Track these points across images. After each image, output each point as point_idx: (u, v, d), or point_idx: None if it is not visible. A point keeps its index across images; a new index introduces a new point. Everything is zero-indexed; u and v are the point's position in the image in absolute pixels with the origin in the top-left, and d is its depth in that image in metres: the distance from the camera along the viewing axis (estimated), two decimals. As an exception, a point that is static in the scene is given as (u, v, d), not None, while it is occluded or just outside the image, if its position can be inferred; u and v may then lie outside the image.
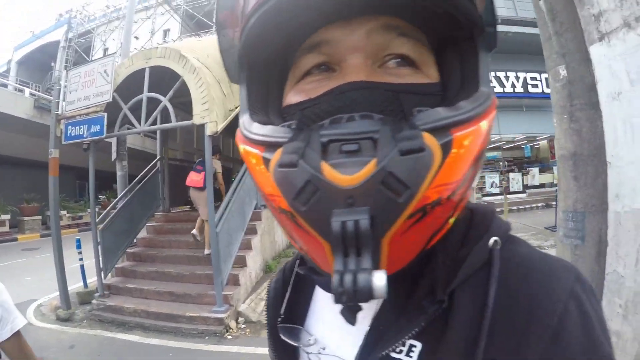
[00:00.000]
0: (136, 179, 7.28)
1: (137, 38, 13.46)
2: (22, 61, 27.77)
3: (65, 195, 15.20)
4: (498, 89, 13.01)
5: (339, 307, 0.43)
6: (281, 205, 0.36)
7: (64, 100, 6.10)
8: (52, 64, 23.07)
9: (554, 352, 0.34)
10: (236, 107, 5.13)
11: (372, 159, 0.32)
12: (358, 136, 0.34)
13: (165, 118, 5.71)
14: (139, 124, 5.42)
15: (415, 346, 0.41)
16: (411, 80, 0.42)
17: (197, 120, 4.87)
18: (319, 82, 0.43)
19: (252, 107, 0.47)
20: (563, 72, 2.56)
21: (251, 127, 0.42)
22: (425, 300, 0.40)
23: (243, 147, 0.43)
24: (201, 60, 5.27)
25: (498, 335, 0.36)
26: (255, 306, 5.37)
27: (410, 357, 0.41)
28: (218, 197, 6.01)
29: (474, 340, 0.36)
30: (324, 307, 0.51)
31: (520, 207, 13.28)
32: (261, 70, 0.48)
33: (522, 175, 15.87)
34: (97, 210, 6.52)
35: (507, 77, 13.28)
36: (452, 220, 0.41)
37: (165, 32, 22.40)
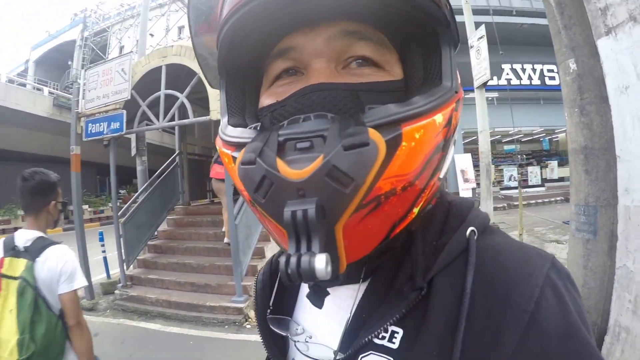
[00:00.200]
0: (156, 174, 7.39)
1: (152, 35, 13.59)
2: (40, 60, 28.18)
3: (87, 190, 15.55)
4: (514, 81, 12.78)
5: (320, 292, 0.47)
6: (247, 198, 0.41)
7: (83, 99, 6.24)
8: (69, 62, 23.39)
9: (531, 336, 0.36)
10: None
11: (321, 154, 0.34)
12: (310, 134, 0.37)
13: (183, 114, 5.80)
14: (158, 120, 5.53)
15: (397, 332, 0.42)
16: (373, 79, 0.44)
17: (214, 115, 4.98)
18: (288, 86, 0.46)
19: (231, 111, 0.52)
20: (573, 65, 2.54)
21: (226, 130, 0.47)
22: (406, 287, 0.43)
23: (219, 148, 0.47)
24: (217, 57, 5.35)
25: (476, 320, 0.38)
26: (273, 296, 5.44)
27: (393, 343, 0.42)
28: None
29: (453, 325, 0.38)
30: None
31: (539, 201, 13.01)
32: (238, 76, 0.52)
33: (541, 169, 15.54)
34: (118, 204, 6.67)
35: (523, 69, 13.02)
36: (416, 210, 0.42)
37: (180, 29, 22.49)
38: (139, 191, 7.06)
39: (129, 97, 5.59)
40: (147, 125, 6.09)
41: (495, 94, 12.05)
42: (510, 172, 14.93)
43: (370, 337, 0.43)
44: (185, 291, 5.21)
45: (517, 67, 12.97)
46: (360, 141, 0.34)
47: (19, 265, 1.67)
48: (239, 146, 0.43)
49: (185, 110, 5.43)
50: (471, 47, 7.48)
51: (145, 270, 6.30)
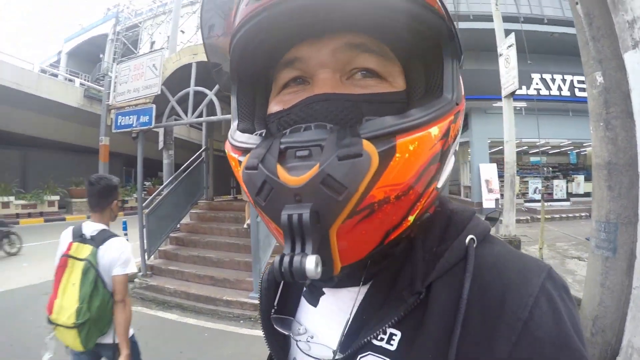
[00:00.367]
0: (182, 168, 7.52)
1: (183, 32, 13.85)
2: (72, 53, 28.95)
3: (113, 180, 15.95)
4: (544, 92, 12.46)
5: (324, 296, 0.51)
6: (251, 200, 0.43)
7: (114, 91, 6.42)
8: (101, 55, 23.98)
9: (524, 343, 0.37)
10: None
11: (317, 163, 0.37)
12: (309, 144, 0.39)
13: (211, 111, 5.89)
14: (186, 115, 5.65)
15: (395, 335, 0.44)
16: (376, 90, 0.46)
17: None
18: (295, 94, 0.48)
19: (241, 115, 0.54)
20: (600, 78, 2.49)
21: (234, 135, 0.50)
22: (405, 291, 0.44)
23: (227, 152, 0.50)
24: (247, 55, 5.44)
25: (472, 326, 0.39)
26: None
27: (391, 345, 0.44)
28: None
29: (450, 330, 0.39)
30: None
31: (563, 215, 12.67)
32: (249, 82, 0.55)
33: (567, 183, 15.16)
34: (142, 195, 6.82)
35: (553, 80, 12.62)
36: (411, 218, 0.44)
37: (210, 27, 22.95)
38: (164, 184, 7.20)
39: (159, 92, 5.73)
40: (175, 120, 6.21)
41: (523, 104, 11.75)
42: (536, 184, 14.61)
43: (369, 338, 0.44)
44: (203, 284, 5.31)
45: (547, 77, 12.60)
46: (354, 152, 0.36)
47: (84, 250, 2.07)
48: (245, 151, 0.46)
49: (213, 107, 5.53)
50: (500, 55, 7.37)
51: (166, 261, 6.43)
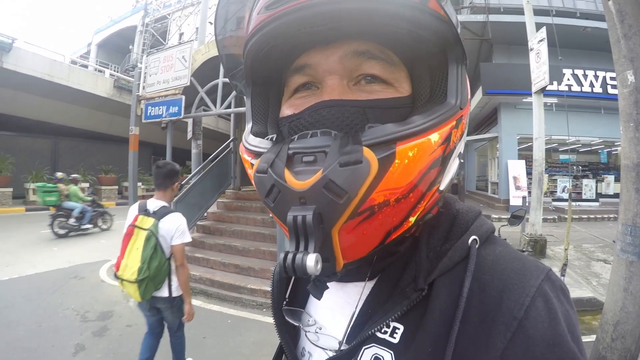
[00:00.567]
0: (210, 157, 7.63)
1: (211, 23, 14.01)
2: (102, 44, 29.65)
3: (142, 168, 16.49)
4: (575, 88, 12.05)
5: (332, 291, 0.54)
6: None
7: (144, 83, 6.56)
8: (130, 46, 24.44)
9: (518, 341, 0.38)
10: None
11: (321, 168, 0.39)
12: (314, 150, 0.42)
13: (239, 102, 5.97)
14: (215, 106, 5.75)
15: (398, 328, 0.46)
16: (381, 95, 0.47)
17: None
18: (305, 99, 0.50)
19: (255, 118, 0.57)
20: (631, 77, 2.42)
21: (248, 139, 0.53)
22: (408, 287, 0.46)
23: (242, 154, 0.53)
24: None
25: (470, 322, 0.41)
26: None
27: (394, 337, 0.46)
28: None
29: (449, 325, 0.41)
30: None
31: (591, 216, 12.28)
32: (262, 86, 0.58)
33: (596, 182, 14.63)
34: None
35: (585, 76, 12.16)
36: (412, 219, 0.46)
37: (238, 18, 23.05)
38: (192, 173, 7.32)
39: (188, 84, 5.84)
40: (204, 110, 6.30)
41: (554, 100, 11.40)
42: (564, 183, 14.20)
43: (373, 330, 0.47)
44: (228, 272, 5.39)
45: (579, 72, 12.16)
46: (354, 159, 0.39)
47: (148, 222, 2.59)
48: (257, 155, 0.49)
49: (242, 98, 5.58)
50: (531, 49, 7.16)
51: (192, 248, 6.54)
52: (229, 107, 5.77)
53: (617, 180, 14.42)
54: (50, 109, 16.71)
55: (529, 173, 11.59)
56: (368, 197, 0.39)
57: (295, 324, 0.58)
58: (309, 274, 0.38)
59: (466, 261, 0.45)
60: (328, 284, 0.48)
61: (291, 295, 0.62)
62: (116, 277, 2.60)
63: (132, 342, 4.02)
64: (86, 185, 16.94)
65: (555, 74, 10.05)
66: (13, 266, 6.70)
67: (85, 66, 19.48)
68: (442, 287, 0.45)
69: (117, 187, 18.52)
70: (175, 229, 2.63)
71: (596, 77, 12.21)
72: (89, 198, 9.99)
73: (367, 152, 0.39)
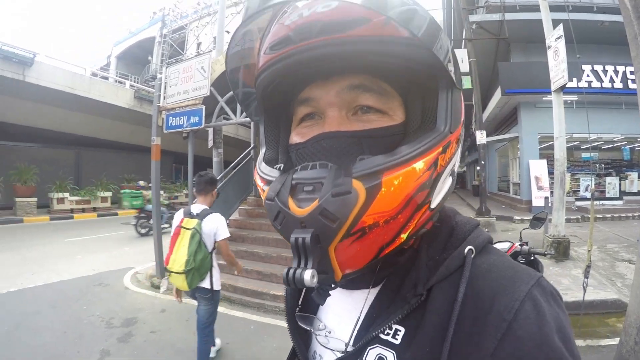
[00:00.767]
0: (231, 165, 7.77)
1: (228, 32, 14.18)
2: (121, 56, 30.36)
3: (163, 177, 16.80)
4: (595, 84, 11.78)
5: (341, 297, 0.60)
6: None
7: (164, 93, 6.67)
8: (149, 57, 24.98)
9: (507, 341, 0.42)
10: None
11: (317, 198, 0.45)
12: (313, 181, 0.48)
13: (259, 110, 6.04)
14: (235, 115, 5.83)
15: (400, 330, 0.51)
16: (376, 125, 0.53)
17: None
18: (309, 128, 0.57)
19: (268, 142, 0.65)
20: None
21: (261, 166, 0.60)
22: (409, 293, 0.51)
23: (256, 181, 0.60)
24: (292, 56, 5.54)
25: (464, 325, 0.45)
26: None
27: (396, 339, 0.51)
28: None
29: (445, 327, 0.46)
30: (332, 298, 0.59)
31: (615, 215, 11.92)
32: (273, 113, 0.64)
33: (620, 180, 14.18)
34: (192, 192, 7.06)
35: (604, 71, 11.87)
36: (404, 236, 0.51)
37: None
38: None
39: (208, 94, 5.93)
40: (224, 119, 6.38)
41: (574, 97, 11.13)
42: (587, 182, 13.84)
43: (377, 332, 0.51)
44: (251, 278, 5.44)
45: (598, 68, 11.89)
46: (344, 190, 0.44)
47: (192, 222, 3.12)
48: (268, 182, 0.55)
49: (260, 106, 5.66)
50: (549, 47, 7.04)
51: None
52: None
53: (641, 177, 14.05)
54: (72, 120, 17.16)
55: (550, 172, 11.38)
56: (358, 220, 0.45)
57: (307, 328, 0.63)
58: (306, 286, 0.44)
59: (462, 269, 0.50)
60: (337, 291, 0.55)
61: (303, 302, 0.68)
62: (166, 269, 3.13)
63: (156, 348, 4.13)
64: (109, 194, 17.34)
65: (575, 71, 9.84)
66: (39, 274, 6.85)
67: (106, 78, 19.91)
68: (439, 293, 0.49)
69: (139, 195, 18.94)
70: (217, 227, 3.20)
71: (616, 72, 11.89)
72: (166, 202, 11.72)
73: (356, 183, 0.45)
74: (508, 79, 12.30)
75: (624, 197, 13.88)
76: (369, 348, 0.52)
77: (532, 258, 2.99)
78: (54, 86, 14.86)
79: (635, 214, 11.94)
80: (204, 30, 22.06)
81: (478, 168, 10.86)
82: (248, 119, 5.93)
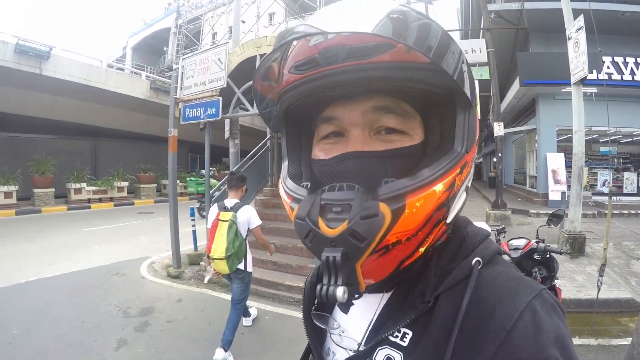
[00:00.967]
0: (247, 156, 7.82)
1: (243, 22, 14.15)
2: (136, 47, 30.61)
3: (179, 167, 17.09)
4: (615, 76, 11.50)
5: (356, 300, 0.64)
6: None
7: (180, 85, 6.70)
8: (165, 48, 25.08)
9: (506, 348, 0.45)
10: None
11: (346, 219, 0.48)
12: (342, 202, 0.50)
13: (276, 101, 6.05)
14: (251, 107, 5.84)
15: (408, 333, 0.55)
16: (397, 145, 0.55)
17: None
18: (333, 145, 0.59)
19: (290, 157, 0.68)
20: None
21: (286, 182, 0.63)
22: (417, 300, 0.55)
23: (280, 193, 0.64)
24: (309, 47, 5.52)
25: (466, 331, 0.48)
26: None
27: (404, 341, 0.54)
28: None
29: (449, 332, 0.49)
30: None
31: (632, 211, 11.68)
32: (294, 129, 0.68)
33: (638, 176, 13.90)
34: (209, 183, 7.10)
35: (625, 63, 11.60)
36: (422, 249, 0.55)
37: (271, 16, 23.10)
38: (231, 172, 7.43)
39: (225, 85, 5.95)
40: (240, 110, 6.38)
41: (593, 89, 10.87)
42: (605, 176, 13.59)
43: (387, 334, 0.55)
44: (266, 269, 5.51)
45: (619, 60, 11.62)
46: (372, 213, 0.48)
47: (228, 215, 3.62)
48: (295, 200, 0.58)
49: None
50: (569, 39, 6.88)
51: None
52: (265, 107, 5.86)
53: (660, 173, 13.69)
54: (89, 111, 17.39)
55: (568, 166, 11.18)
56: (383, 239, 0.48)
57: (323, 327, 0.68)
58: (338, 301, 0.48)
59: (468, 279, 0.52)
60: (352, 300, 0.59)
61: (319, 301, 0.70)
62: (208, 257, 3.66)
63: (173, 338, 4.20)
64: (126, 184, 17.60)
65: (595, 62, 9.58)
66: (57, 264, 6.99)
67: (122, 69, 20.05)
68: (445, 301, 0.52)
69: (155, 185, 19.17)
70: (249, 217, 3.73)
71: (637, 64, 11.59)
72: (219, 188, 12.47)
73: (383, 207, 0.48)
74: (527, 70, 12.09)
75: (643, 193, 13.56)
76: (378, 349, 0.56)
77: (548, 256, 2.98)
78: (71, 78, 15.07)
79: (655, 211, 11.61)
80: (219, 20, 21.96)
81: (494, 160, 10.74)
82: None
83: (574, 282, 5.26)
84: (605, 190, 13.11)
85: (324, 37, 0.51)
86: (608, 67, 11.54)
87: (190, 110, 6.41)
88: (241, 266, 3.69)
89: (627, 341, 3.62)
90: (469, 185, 0.60)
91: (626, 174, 13.90)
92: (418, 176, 0.51)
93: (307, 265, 5.65)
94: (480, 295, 0.50)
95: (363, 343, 0.60)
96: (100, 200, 16.48)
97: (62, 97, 15.96)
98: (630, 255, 6.70)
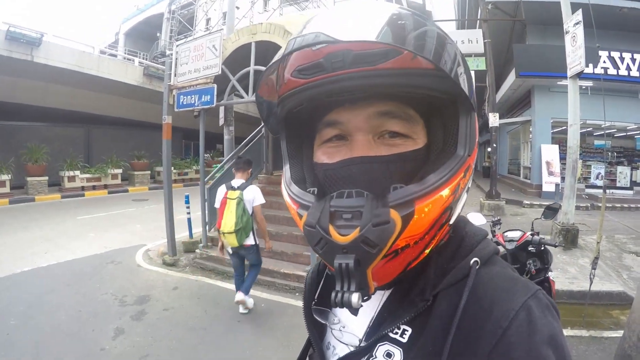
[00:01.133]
0: (242, 143, 7.75)
1: (238, 8, 13.96)
2: (129, 33, 30.21)
3: (173, 153, 16.98)
4: (611, 71, 11.56)
5: None
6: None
7: (175, 72, 6.63)
8: (158, 34, 24.73)
9: (501, 346, 0.46)
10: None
11: (358, 226, 0.49)
12: (352, 209, 0.51)
13: (271, 89, 6.01)
14: (246, 94, 5.79)
15: (407, 330, 0.56)
16: (402, 149, 0.56)
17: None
18: (336, 148, 0.59)
19: (291, 160, 0.68)
20: None
21: (291, 187, 0.62)
22: (417, 297, 0.56)
23: (285, 198, 0.63)
24: (305, 35, 5.47)
25: (464, 329, 0.49)
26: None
27: (403, 338, 0.56)
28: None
29: (447, 330, 0.50)
30: None
31: (625, 205, 11.85)
32: (294, 132, 0.68)
33: (631, 170, 14.06)
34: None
35: (621, 59, 11.72)
36: (427, 251, 0.57)
37: (265, 1, 22.87)
38: (225, 159, 7.46)
39: (220, 72, 5.89)
40: (235, 97, 6.34)
41: (589, 83, 10.94)
42: (599, 169, 13.73)
43: (387, 331, 0.57)
44: (262, 256, 5.38)
45: (615, 55, 11.70)
46: (384, 220, 0.48)
47: (235, 193, 4.07)
48: (302, 206, 0.58)
49: (272, 84, 5.62)
50: (566, 32, 6.87)
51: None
52: (260, 93, 5.83)
53: (653, 167, 13.85)
54: (81, 98, 17.16)
55: (562, 158, 11.27)
56: (394, 244, 0.49)
57: (323, 322, 0.69)
58: (353, 307, 0.49)
59: (466, 279, 0.54)
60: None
61: (320, 296, 0.73)
62: (219, 232, 4.12)
63: (170, 326, 4.21)
64: (119, 171, 17.48)
65: (591, 57, 9.62)
66: (52, 253, 6.96)
67: (114, 55, 19.81)
68: (443, 299, 0.54)
69: (149, 172, 19.08)
70: (254, 196, 4.18)
71: (633, 60, 11.73)
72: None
73: (393, 213, 0.49)
74: (523, 61, 12.13)
75: (635, 188, 13.81)
76: (379, 344, 0.57)
77: (543, 248, 3.02)
78: (63, 65, 14.80)
79: (646, 205, 11.76)
80: (213, 6, 21.71)
81: (489, 149, 10.82)
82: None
83: (567, 273, 5.32)
84: (599, 183, 13.25)
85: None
86: (604, 62, 11.62)
87: (185, 97, 6.35)
88: (250, 241, 4.18)
89: (618, 334, 3.68)
90: (470, 186, 0.61)
91: (619, 168, 14.09)
92: (425, 182, 0.52)
93: (302, 252, 5.65)
94: (477, 295, 0.52)
95: (364, 339, 0.61)
96: (94, 187, 16.38)
97: (54, 84, 15.70)
98: (622, 249, 6.80)
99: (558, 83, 11.55)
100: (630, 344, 2.71)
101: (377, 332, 0.58)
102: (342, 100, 0.56)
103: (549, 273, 3.02)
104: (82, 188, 15.96)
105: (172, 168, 18.02)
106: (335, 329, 0.67)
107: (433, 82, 0.52)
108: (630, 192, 13.56)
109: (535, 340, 0.46)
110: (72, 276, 5.78)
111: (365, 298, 0.54)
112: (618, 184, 13.78)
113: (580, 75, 6.76)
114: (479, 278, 0.54)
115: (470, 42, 10.69)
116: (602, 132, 12.91)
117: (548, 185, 12.10)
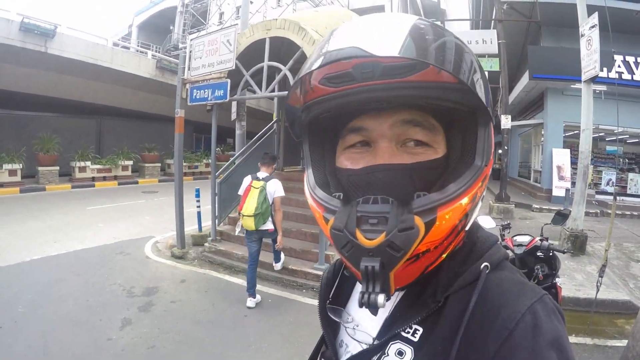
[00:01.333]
0: (254, 139, 7.77)
1: (252, 2, 13.93)
2: (142, 26, 30.26)
3: (184, 147, 17.05)
4: (626, 76, 11.37)
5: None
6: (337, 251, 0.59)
7: (188, 66, 6.65)
8: (171, 27, 24.79)
9: (506, 347, 0.48)
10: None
11: (384, 231, 0.52)
12: (378, 215, 0.54)
13: (284, 85, 6.00)
14: (260, 89, 5.81)
15: (418, 330, 0.59)
16: (423, 157, 0.59)
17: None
18: (360, 154, 0.62)
19: (314, 163, 0.70)
20: None
21: (315, 191, 0.65)
22: (429, 299, 0.59)
23: (309, 201, 0.66)
24: (319, 32, 5.49)
25: (472, 330, 0.52)
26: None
27: (415, 337, 0.58)
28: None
29: (456, 330, 0.52)
30: None
31: (635, 213, 11.67)
32: (318, 136, 0.70)
33: (643, 177, 13.74)
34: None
35: (636, 63, 11.48)
36: (444, 255, 0.60)
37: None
38: (237, 154, 7.46)
39: (234, 67, 5.91)
40: (248, 92, 6.35)
41: (603, 87, 10.77)
42: (610, 176, 13.52)
43: (399, 330, 0.59)
44: (270, 252, 5.47)
45: (630, 59, 11.49)
46: (408, 225, 0.51)
47: (259, 183, 4.55)
48: (327, 210, 0.60)
49: (285, 81, 5.66)
50: (582, 36, 6.79)
51: (235, 228, 6.72)
52: (273, 90, 5.83)
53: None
54: (94, 90, 17.30)
55: (573, 163, 11.14)
56: (416, 249, 0.52)
57: (337, 320, 0.72)
58: (380, 307, 0.53)
59: (476, 282, 0.56)
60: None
61: (334, 295, 0.77)
62: (239, 214, 4.58)
63: (177, 318, 4.25)
64: (130, 163, 17.61)
65: (606, 60, 9.47)
66: (62, 242, 7.03)
67: (127, 48, 19.85)
68: (454, 301, 0.56)
69: (159, 164, 19.16)
70: (276, 188, 4.62)
71: (649, 65, 11.49)
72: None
73: (417, 220, 0.52)
74: (537, 64, 11.99)
75: (646, 196, 13.51)
76: (391, 343, 0.60)
77: (551, 254, 3.01)
78: (76, 57, 14.93)
79: (658, 214, 11.55)
80: (226, 0, 21.71)
81: (500, 151, 10.72)
82: (273, 94, 5.95)
83: (574, 280, 5.28)
84: (610, 189, 13.07)
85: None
86: (619, 66, 11.44)
87: (198, 91, 6.38)
88: (269, 226, 4.61)
89: (622, 343, 3.68)
90: (485, 194, 0.64)
91: (631, 175, 13.81)
92: (446, 190, 0.55)
93: (310, 250, 5.66)
94: (486, 298, 0.54)
95: (377, 337, 0.64)
96: (104, 178, 16.51)
97: (67, 75, 15.84)
98: (630, 257, 6.73)
99: (572, 86, 11.42)
100: (634, 354, 2.70)
101: (390, 331, 0.61)
102: (367, 108, 0.59)
103: (557, 279, 3.03)
104: (93, 179, 16.12)
105: (183, 161, 18.18)
106: (349, 327, 0.70)
107: (457, 95, 0.55)
108: (641, 199, 13.31)
109: (540, 342, 0.48)
110: (81, 266, 5.84)
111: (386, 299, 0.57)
112: (629, 191, 13.52)
113: (594, 80, 6.68)
114: (488, 282, 0.56)
115: (485, 42, 10.62)
116: (615, 138, 12.70)
117: (558, 190, 11.97)
